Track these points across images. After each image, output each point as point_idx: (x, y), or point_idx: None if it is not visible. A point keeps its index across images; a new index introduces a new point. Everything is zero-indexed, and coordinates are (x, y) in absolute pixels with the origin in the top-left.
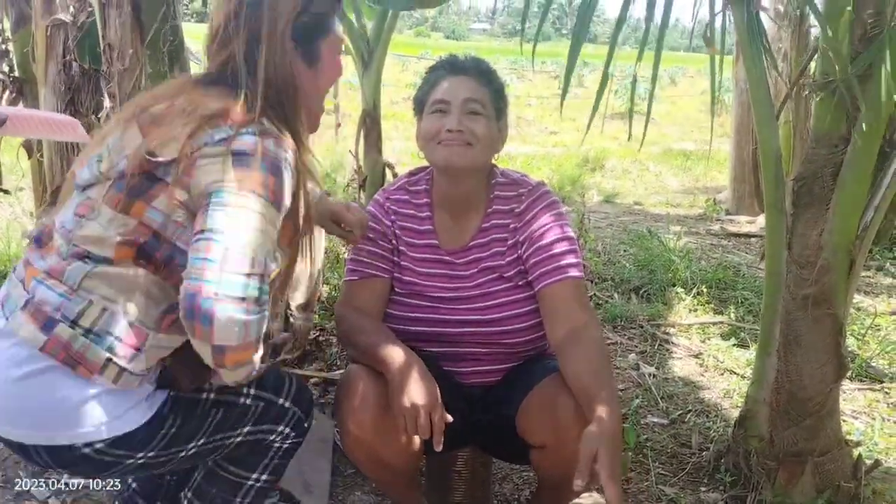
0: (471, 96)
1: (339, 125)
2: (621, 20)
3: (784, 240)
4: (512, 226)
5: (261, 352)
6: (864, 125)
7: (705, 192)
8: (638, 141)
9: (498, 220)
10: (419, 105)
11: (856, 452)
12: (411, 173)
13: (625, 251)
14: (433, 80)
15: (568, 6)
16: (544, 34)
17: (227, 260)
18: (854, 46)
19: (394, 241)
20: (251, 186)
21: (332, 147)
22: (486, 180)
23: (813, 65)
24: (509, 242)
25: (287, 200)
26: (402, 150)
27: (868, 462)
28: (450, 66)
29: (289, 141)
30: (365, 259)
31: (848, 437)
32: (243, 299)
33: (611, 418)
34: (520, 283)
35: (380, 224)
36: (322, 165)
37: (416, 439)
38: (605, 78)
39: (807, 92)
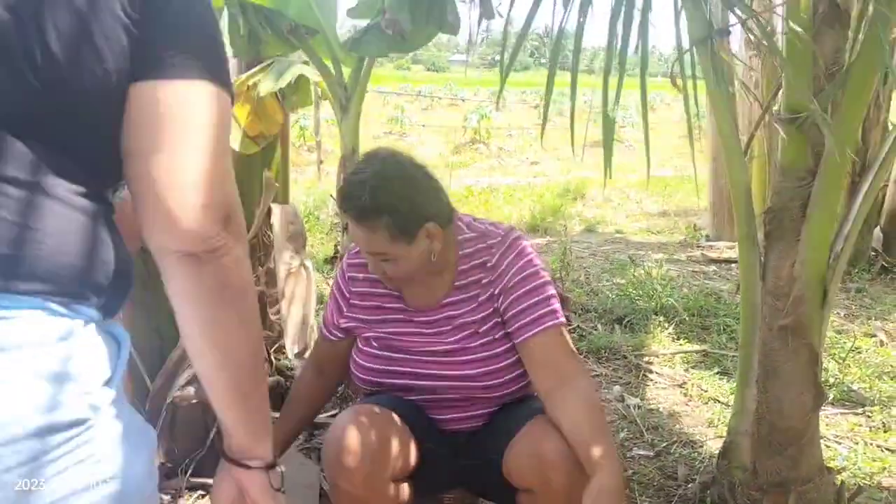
0: (369, 250)
1: (321, 162)
2: (577, 50)
3: (758, 272)
4: (485, 280)
5: None
6: (828, 159)
7: (686, 218)
8: (620, 171)
9: (470, 277)
10: None
11: (839, 479)
12: None
13: (607, 280)
14: None
15: (546, 36)
16: (523, 64)
17: None
18: (817, 82)
19: (354, 310)
20: None
21: (315, 184)
22: (449, 245)
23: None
24: (483, 297)
25: None
26: None
27: (851, 488)
28: (343, 210)
29: None
30: (334, 321)
31: (831, 463)
32: None
33: (612, 473)
34: (496, 335)
35: (339, 293)
36: (305, 203)
37: (406, 490)
38: (573, 112)
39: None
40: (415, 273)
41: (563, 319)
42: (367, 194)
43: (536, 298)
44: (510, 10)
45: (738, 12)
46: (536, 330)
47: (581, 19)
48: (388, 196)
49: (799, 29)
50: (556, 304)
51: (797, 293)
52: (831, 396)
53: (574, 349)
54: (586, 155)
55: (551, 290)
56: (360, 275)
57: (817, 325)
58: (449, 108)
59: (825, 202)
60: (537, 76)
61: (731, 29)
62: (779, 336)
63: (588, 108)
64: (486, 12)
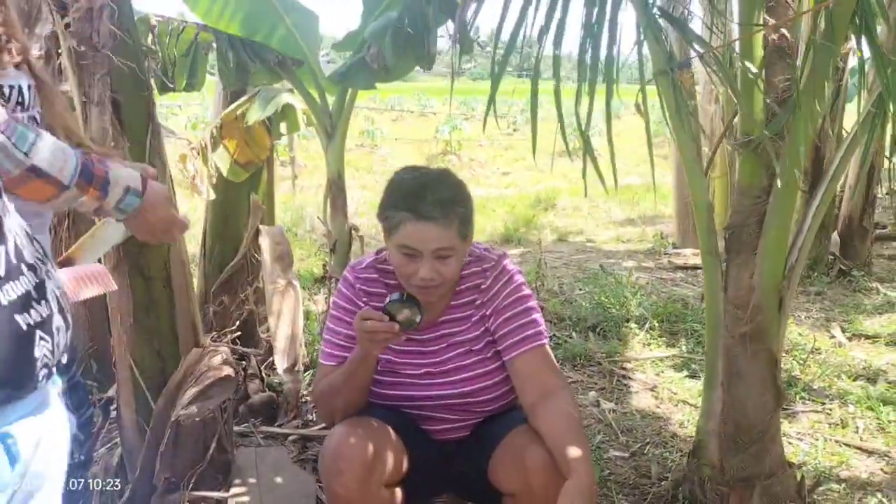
0: (440, 246)
1: (295, 177)
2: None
3: (720, 283)
4: (478, 301)
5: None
6: (780, 178)
7: (653, 225)
8: (587, 179)
9: (466, 298)
10: (383, 225)
11: (799, 473)
12: (380, 251)
13: (580, 289)
14: (396, 220)
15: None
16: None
17: None
18: (769, 108)
19: None
20: None
21: (291, 199)
22: None
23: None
24: (476, 317)
25: None
26: (360, 200)
27: (811, 481)
28: (412, 210)
29: None
30: (342, 343)
31: (793, 458)
32: None
33: (586, 475)
34: (488, 354)
35: (352, 305)
36: (282, 219)
37: (399, 494)
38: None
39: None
40: (449, 287)
41: (547, 338)
42: (446, 186)
43: (525, 320)
44: (496, 43)
45: (697, 47)
46: (524, 349)
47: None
48: (460, 188)
49: (750, 66)
50: (542, 326)
51: (755, 302)
52: (793, 396)
53: (556, 365)
54: (555, 164)
55: (537, 312)
56: (372, 289)
57: (775, 331)
58: (419, 118)
59: (779, 217)
60: (506, 85)
61: (690, 61)
62: (740, 342)
63: (557, 120)
64: (466, 47)
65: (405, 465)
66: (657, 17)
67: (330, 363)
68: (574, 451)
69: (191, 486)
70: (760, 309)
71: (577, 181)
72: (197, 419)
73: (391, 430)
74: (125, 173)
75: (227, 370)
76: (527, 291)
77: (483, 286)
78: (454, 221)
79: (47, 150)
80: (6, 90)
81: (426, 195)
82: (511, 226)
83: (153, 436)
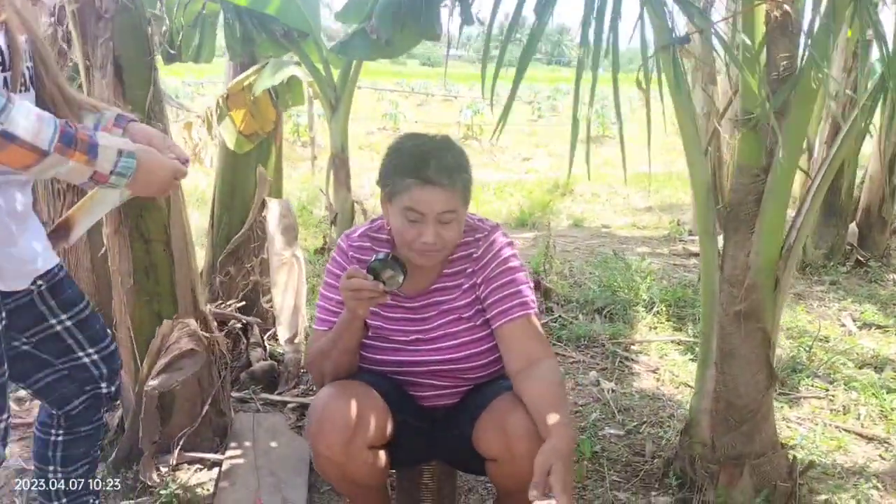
0: (444, 209)
1: (315, 158)
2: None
3: (716, 261)
4: (469, 269)
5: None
6: (778, 156)
7: (672, 213)
8: (609, 166)
9: (458, 266)
10: (385, 191)
11: (791, 454)
12: (374, 220)
13: (591, 273)
14: (400, 186)
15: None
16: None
17: None
18: (770, 86)
19: None
20: None
21: (309, 179)
22: None
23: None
24: (467, 285)
25: None
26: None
27: (804, 463)
28: (418, 175)
29: None
30: (334, 308)
31: (790, 442)
32: None
33: (564, 437)
34: (478, 322)
35: (343, 270)
36: (299, 198)
37: (383, 456)
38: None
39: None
40: (448, 252)
41: (535, 309)
42: (449, 153)
43: (513, 289)
44: (492, 18)
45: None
46: (511, 317)
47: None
48: (462, 155)
49: (747, 40)
50: (530, 295)
51: (750, 281)
52: (796, 381)
53: (542, 334)
54: (577, 151)
55: (526, 282)
56: (365, 256)
57: (770, 311)
58: (443, 103)
59: (777, 197)
60: (532, 72)
61: (690, 37)
62: (734, 320)
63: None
64: (466, 18)
65: (390, 427)
66: None
67: (322, 328)
68: (554, 415)
69: (180, 446)
70: (755, 288)
71: (597, 168)
72: (164, 391)
73: (376, 393)
74: (115, 139)
75: (191, 345)
76: (517, 263)
77: (475, 255)
78: (458, 186)
79: (21, 115)
80: None
81: (430, 161)
82: (527, 210)
83: (138, 402)
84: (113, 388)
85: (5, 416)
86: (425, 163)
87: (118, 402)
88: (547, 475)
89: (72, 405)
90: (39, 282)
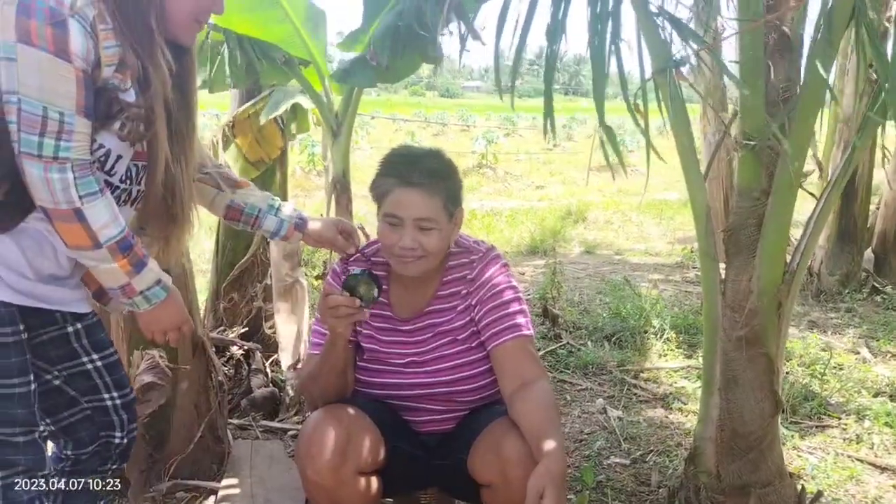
0: (421, 215)
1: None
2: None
3: (718, 286)
4: (464, 291)
5: (106, 243)
6: (779, 179)
7: (686, 242)
8: (623, 194)
9: (452, 288)
10: (375, 199)
11: (800, 484)
12: (371, 243)
13: (601, 300)
14: (384, 188)
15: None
16: (536, 90)
17: (21, 120)
18: (769, 109)
19: None
20: (29, 38)
21: (323, 207)
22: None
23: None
24: (461, 307)
25: (77, 52)
26: None
27: (812, 494)
28: (400, 177)
29: (79, 4)
30: (326, 332)
31: (800, 471)
32: (40, 157)
33: (557, 460)
34: (473, 344)
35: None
36: None
37: (375, 483)
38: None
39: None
40: (438, 258)
41: (529, 331)
42: (435, 159)
43: (507, 311)
44: (498, 39)
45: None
46: (506, 338)
47: (554, 47)
48: (449, 166)
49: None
50: (524, 318)
51: (752, 305)
52: (808, 410)
53: (536, 356)
54: (590, 179)
55: (521, 305)
56: None
57: (773, 336)
58: (460, 133)
59: (778, 220)
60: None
61: (686, 60)
62: (737, 346)
63: (595, 134)
64: (472, 33)
65: (382, 453)
66: (655, 15)
67: (315, 352)
68: (548, 439)
69: (170, 473)
70: (758, 312)
71: (611, 195)
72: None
73: (368, 417)
74: (161, 272)
75: (149, 378)
76: (512, 284)
77: (470, 276)
78: (440, 193)
79: (101, 205)
80: (95, 146)
81: (414, 165)
82: (538, 237)
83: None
84: (125, 441)
85: (40, 428)
86: (409, 166)
87: (123, 467)
88: (539, 499)
89: (85, 450)
90: (78, 324)
